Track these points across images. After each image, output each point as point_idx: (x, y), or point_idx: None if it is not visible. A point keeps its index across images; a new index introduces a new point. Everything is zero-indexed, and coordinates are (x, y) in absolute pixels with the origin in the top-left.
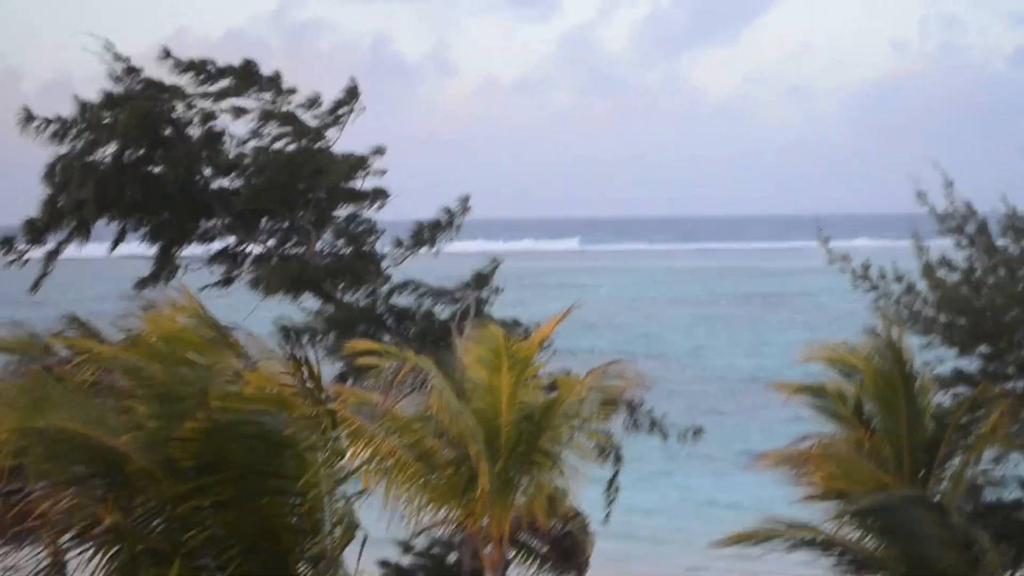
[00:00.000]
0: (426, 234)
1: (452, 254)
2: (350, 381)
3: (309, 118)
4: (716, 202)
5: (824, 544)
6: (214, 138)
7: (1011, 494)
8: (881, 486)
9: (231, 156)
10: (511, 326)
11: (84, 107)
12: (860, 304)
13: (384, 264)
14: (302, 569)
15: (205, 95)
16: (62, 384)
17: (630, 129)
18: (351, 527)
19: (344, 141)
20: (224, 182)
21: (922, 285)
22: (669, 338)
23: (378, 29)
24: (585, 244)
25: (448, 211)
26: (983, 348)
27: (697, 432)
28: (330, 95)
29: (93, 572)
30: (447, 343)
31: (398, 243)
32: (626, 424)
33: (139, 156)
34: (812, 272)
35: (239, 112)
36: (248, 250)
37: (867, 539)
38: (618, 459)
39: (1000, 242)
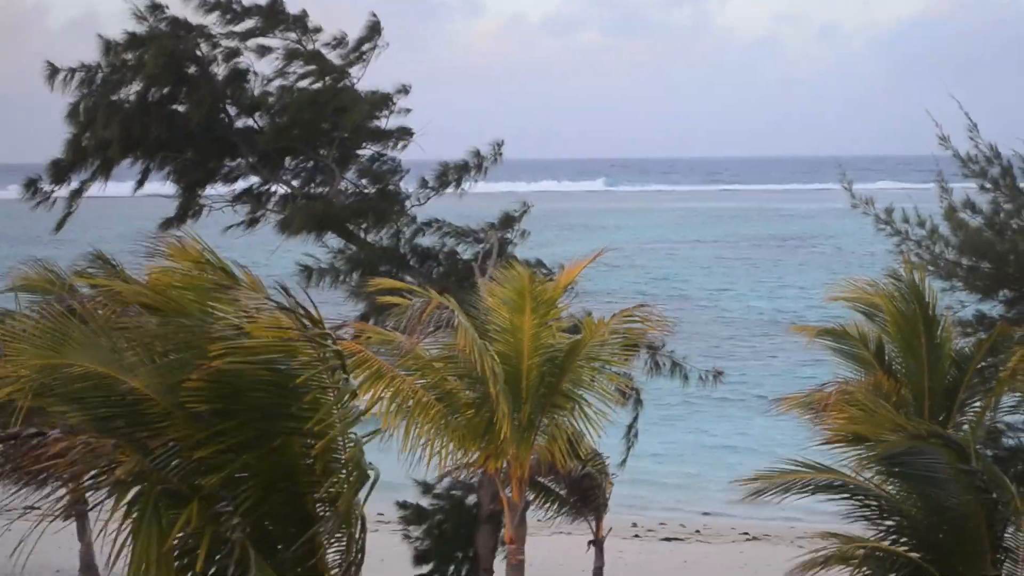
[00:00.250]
0: (451, 175)
1: (476, 194)
2: (371, 320)
3: (335, 57)
4: (743, 142)
5: (843, 488)
6: (239, 77)
7: None
8: (902, 430)
9: (255, 95)
10: (535, 267)
11: (108, 45)
12: (883, 246)
13: (408, 204)
14: (319, 509)
15: (231, 35)
16: (84, 324)
17: (658, 69)
18: (366, 468)
19: (370, 80)
20: (248, 121)
21: (945, 228)
22: (690, 279)
23: None
24: (611, 185)
25: (478, 154)
26: (1005, 292)
27: (718, 375)
28: (357, 36)
29: (112, 513)
30: (470, 283)
31: (423, 183)
32: (647, 366)
33: (163, 95)
34: (835, 214)
35: (264, 51)
36: (272, 190)
37: (887, 483)
38: (639, 402)
39: None
